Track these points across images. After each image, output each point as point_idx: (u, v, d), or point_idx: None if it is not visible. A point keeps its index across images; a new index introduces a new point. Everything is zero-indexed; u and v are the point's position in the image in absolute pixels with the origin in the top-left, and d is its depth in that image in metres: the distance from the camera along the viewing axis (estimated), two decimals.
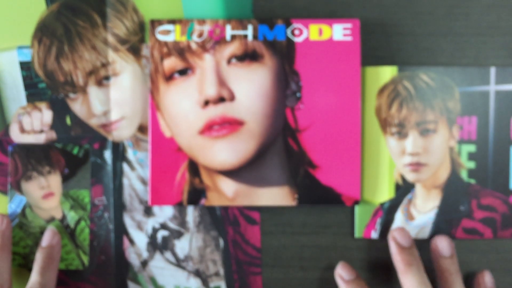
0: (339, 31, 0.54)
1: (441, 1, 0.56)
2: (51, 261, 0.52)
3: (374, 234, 0.55)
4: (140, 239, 0.56)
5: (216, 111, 0.52)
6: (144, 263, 0.56)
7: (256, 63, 0.53)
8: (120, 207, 0.55)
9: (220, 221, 0.56)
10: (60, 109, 0.55)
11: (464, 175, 0.55)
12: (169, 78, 0.53)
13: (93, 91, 0.54)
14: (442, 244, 0.53)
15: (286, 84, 0.54)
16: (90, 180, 0.55)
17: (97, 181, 0.55)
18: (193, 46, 0.53)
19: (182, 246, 0.56)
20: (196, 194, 0.54)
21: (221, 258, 0.56)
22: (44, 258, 0.52)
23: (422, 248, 0.56)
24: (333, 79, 0.54)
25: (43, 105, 0.55)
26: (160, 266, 0.56)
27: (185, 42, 0.53)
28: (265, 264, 0.56)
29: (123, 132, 0.55)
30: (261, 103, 0.53)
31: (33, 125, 0.55)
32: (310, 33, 0.54)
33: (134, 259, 0.56)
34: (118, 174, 0.55)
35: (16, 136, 0.55)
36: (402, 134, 0.55)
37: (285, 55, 0.53)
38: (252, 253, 0.56)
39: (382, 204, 0.55)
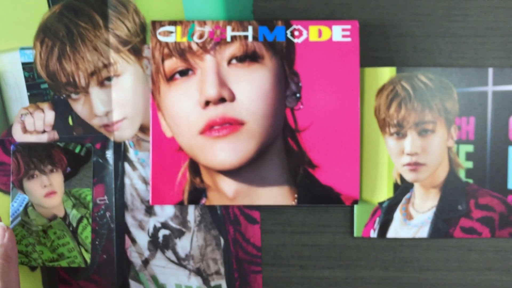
0: (338, 32, 0.54)
1: (439, 3, 0.56)
2: (7, 261, 0.49)
3: (373, 233, 0.56)
4: (142, 238, 0.56)
5: (216, 112, 0.53)
6: (146, 262, 0.56)
7: (256, 63, 0.53)
8: (121, 206, 0.56)
9: (220, 220, 0.56)
10: (62, 109, 0.55)
11: (462, 175, 0.55)
12: (170, 78, 0.54)
13: (95, 91, 0.55)
14: None
15: (286, 85, 0.54)
16: (92, 179, 0.56)
17: (99, 180, 0.56)
18: (194, 47, 0.53)
19: (183, 245, 0.56)
20: (197, 194, 0.55)
21: (222, 257, 0.56)
22: None
23: (421, 247, 0.56)
24: (332, 80, 0.54)
25: (45, 106, 0.55)
26: (161, 265, 0.56)
27: (186, 43, 0.53)
28: (265, 263, 0.56)
29: (124, 132, 0.55)
30: (261, 103, 0.53)
31: (36, 126, 0.55)
32: (309, 34, 0.54)
33: (135, 258, 0.56)
34: (119, 174, 0.56)
35: (19, 137, 0.55)
36: (400, 134, 0.55)
37: (285, 56, 0.54)
38: (252, 252, 0.56)
39: (381, 204, 0.56)
